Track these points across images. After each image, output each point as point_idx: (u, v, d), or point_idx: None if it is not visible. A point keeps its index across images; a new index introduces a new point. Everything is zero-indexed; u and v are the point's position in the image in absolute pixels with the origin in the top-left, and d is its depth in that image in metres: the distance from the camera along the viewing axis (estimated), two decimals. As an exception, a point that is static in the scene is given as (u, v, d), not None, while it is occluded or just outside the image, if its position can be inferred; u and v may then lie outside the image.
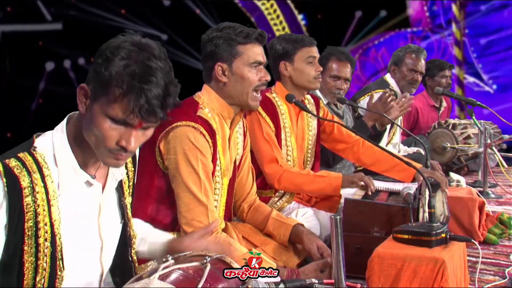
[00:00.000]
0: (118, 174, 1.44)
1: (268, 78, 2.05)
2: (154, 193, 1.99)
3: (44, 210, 1.27)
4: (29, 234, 1.26)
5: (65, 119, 1.37)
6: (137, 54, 1.24)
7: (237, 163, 2.19)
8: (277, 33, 7.18)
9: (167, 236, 1.72)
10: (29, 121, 6.56)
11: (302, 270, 1.96)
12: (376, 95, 3.36)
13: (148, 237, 1.68)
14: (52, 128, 1.38)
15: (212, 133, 1.96)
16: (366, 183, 2.35)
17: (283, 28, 7.35)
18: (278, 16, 7.39)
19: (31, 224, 1.26)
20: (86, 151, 1.34)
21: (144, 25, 6.81)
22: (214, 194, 2.00)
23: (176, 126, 1.90)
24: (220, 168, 2.02)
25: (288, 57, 2.67)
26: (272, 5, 7.40)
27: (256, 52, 2.03)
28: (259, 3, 7.37)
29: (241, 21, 2.10)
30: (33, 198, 1.26)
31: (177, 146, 1.90)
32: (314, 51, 2.69)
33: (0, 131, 5.91)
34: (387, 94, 3.13)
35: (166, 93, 1.26)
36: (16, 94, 6.41)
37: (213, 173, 1.98)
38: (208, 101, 2.04)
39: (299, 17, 7.43)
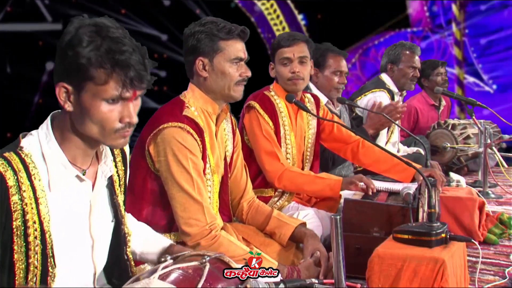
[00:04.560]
0: (107, 170, 1.44)
1: (249, 74, 2.05)
2: (148, 196, 1.99)
3: (32, 208, 1.27)
4: (18, 233, 1.26)
5: (49, 118, 1.36)
6: (99, 32, 1.26)
7: (228, 160, 2.20)
8: (277, 33, 7.16)
9: (163, 243, 1.69)
10: (30, 121, 6.55)
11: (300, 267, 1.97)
12: (375, 95, 3.39)
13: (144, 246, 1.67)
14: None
15: (199, 131, 1.96)
16: (366, 183, 2.36)
17: (283, 28, 7.34)
18: (278, 16, 7.38)
19: (19, 223, 1.25)
20: (74, 147, 1.34)
21: (144, 25, 6.81)
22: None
23: (163, 128, 1.91)
24: (210, 165, 2.03)
25: (272, 59, 2.69)
26: (272, 5, 7.39)
27: (238, 48, 2.03)
28: (259, 3, 7.36)
29: (241, 21, 2.09)
30: (20, 197, 1.25)
31: (166, 147, 1.91)
32: (288, 51, 2.59)
33: (0, 131, 5.90)
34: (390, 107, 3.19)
35: (142, 55, 1.29)
36: (16, 94, 6.41)
37: (203, 171, 1.98)
38: (193, 99, 2.04)
39: (299, 17, 7.41)
